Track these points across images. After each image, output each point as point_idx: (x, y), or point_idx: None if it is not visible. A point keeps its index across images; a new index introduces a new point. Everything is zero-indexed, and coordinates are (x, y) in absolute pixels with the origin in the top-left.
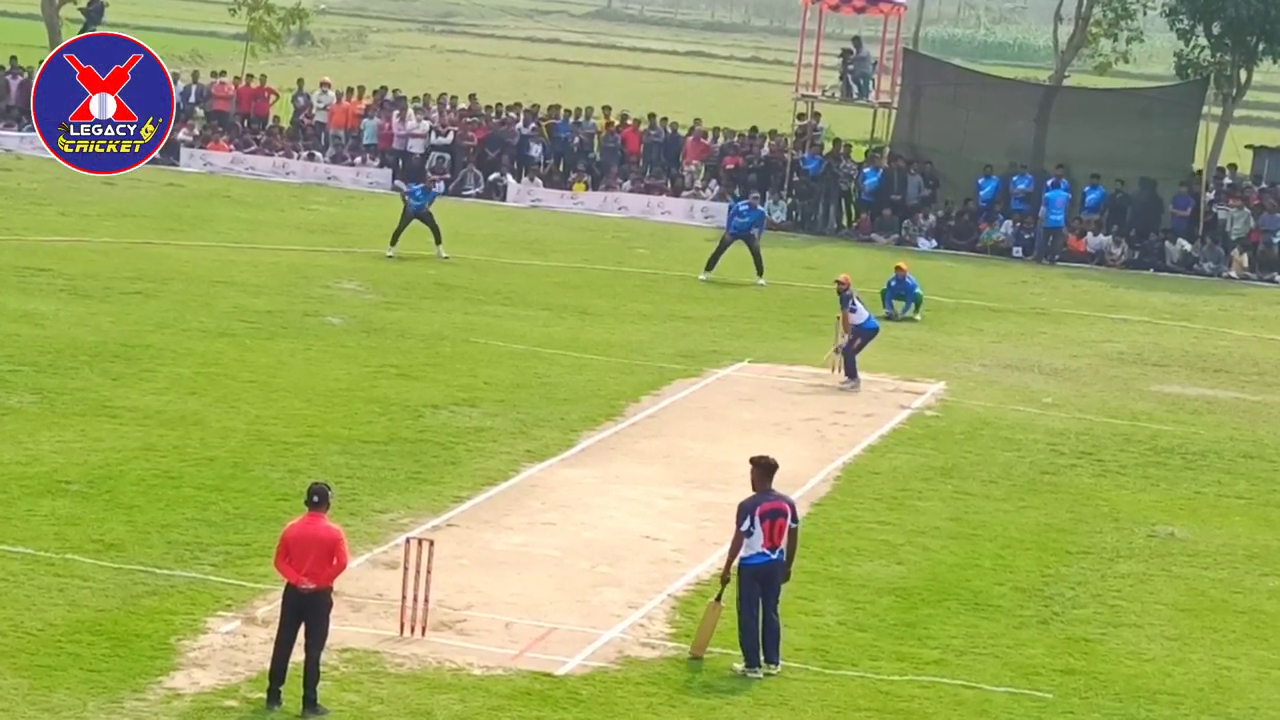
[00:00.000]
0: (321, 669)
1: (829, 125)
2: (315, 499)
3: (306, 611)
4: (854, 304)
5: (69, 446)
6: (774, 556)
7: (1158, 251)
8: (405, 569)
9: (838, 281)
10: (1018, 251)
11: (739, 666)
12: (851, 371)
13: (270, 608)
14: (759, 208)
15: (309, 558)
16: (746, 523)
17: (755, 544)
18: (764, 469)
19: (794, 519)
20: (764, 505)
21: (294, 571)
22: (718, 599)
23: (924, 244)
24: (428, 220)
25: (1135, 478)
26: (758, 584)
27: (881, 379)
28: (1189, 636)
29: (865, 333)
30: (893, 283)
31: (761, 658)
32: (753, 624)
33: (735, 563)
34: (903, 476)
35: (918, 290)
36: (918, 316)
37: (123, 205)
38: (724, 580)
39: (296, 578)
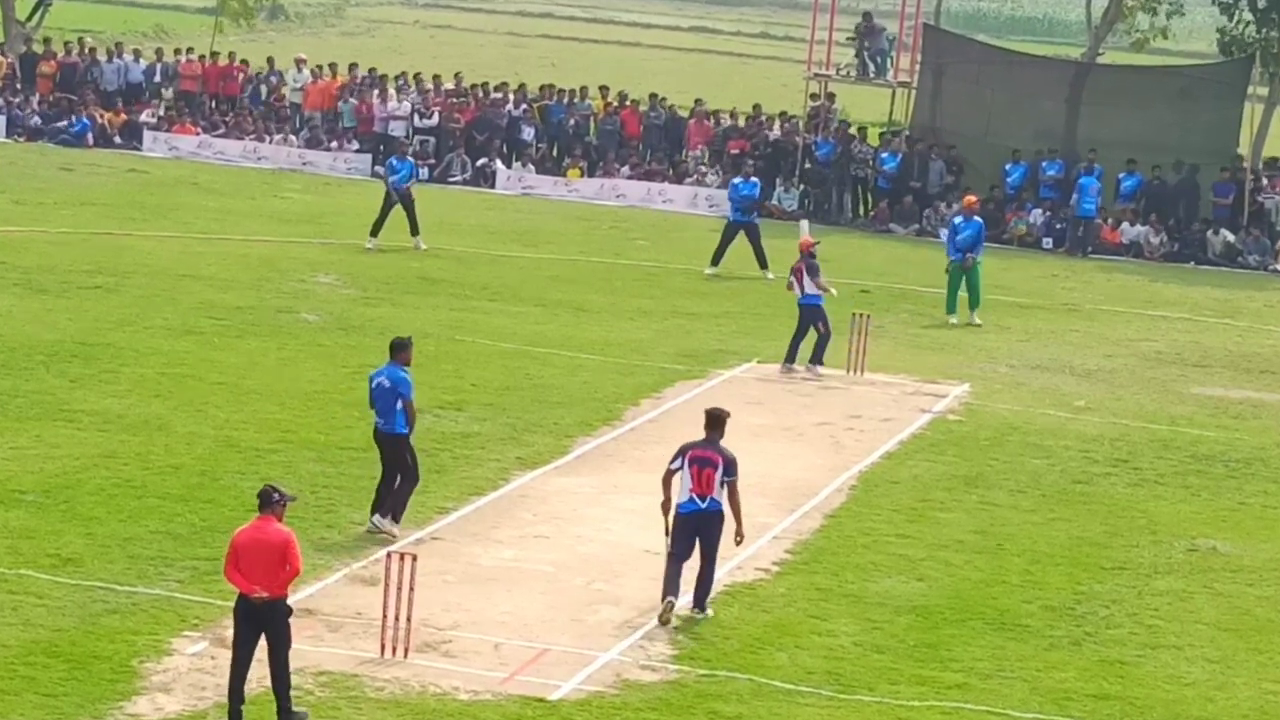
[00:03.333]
0: (295, 693)
1: (843, 107)
2: (260, 500)
3: (263, 623)
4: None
5: (23, 453)
6: (704, 506)
7: (1198, 243)
8: (386, 586)
9: (803, 244)
10: (1047, 243)
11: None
12: (791, 357)
13: None
14: (754, 179)
15: (259, 564)
16: (677, 462)
17: (684, 489)
18: (710, 418)
19: (728, 473)
20: (696, 450)
21: (245, 581)
22: (667, 532)
23: (946, 235)
24: (407, 206)
25: (1174, 487)
26: (689, 533)
27: (901, 380)
28: (1233, 659)
29: (801, 309)
30: (958, 222)
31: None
32: (675, 569)
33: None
34: (923, 486)
35: (978, 268)
36: (977, 319)
37: (81, 193)
38: (665, 510)
39: (248, 587)
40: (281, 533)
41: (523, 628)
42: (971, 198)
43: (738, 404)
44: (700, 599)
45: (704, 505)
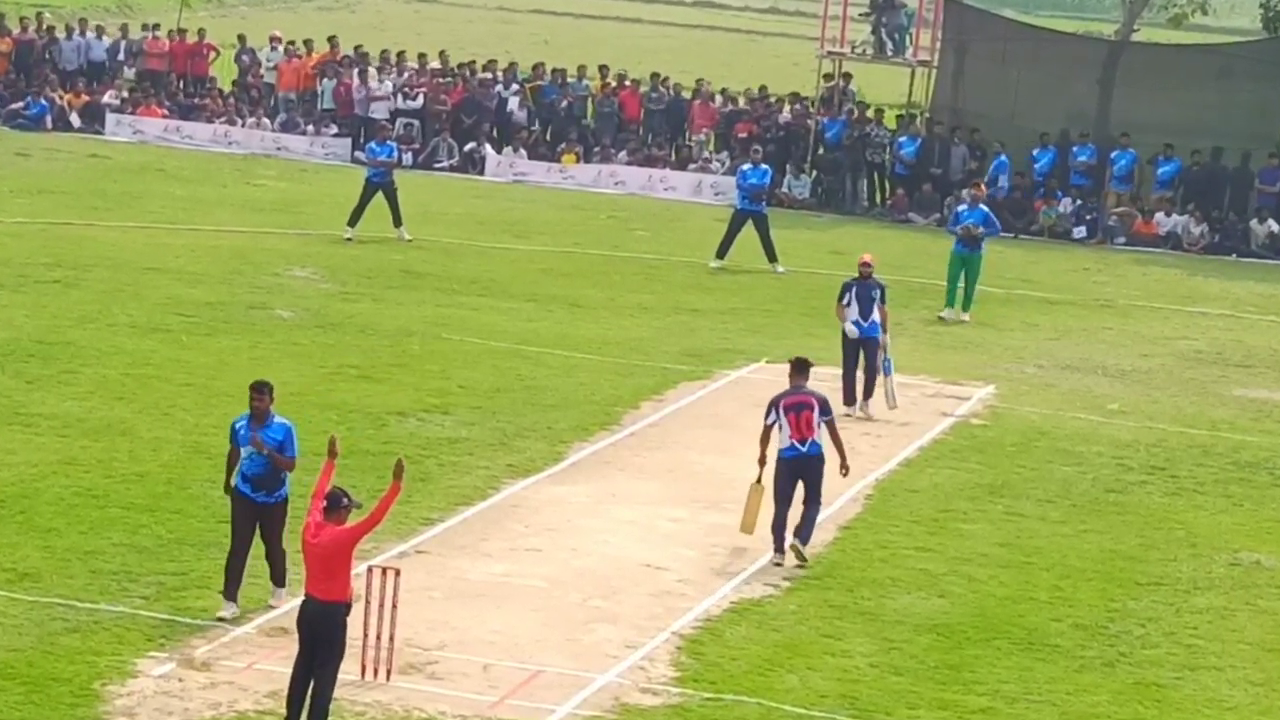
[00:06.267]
0: (268, 718)
1: (859, 87)
2: (327, 503)
3: (316, 631)
4: (848, 296)
5: None
6: (804, 449)
7: (1241, 234)
8: (367, 602)
9: (866, 263)
10: (1079, 233)
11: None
12: (850, 399)
13: (210, 648)
14: (763, 165)
15: (312, 567)
16: (771, 415)
17: (785, 436)
18: (796, 363)
19: (824, 412)
20: (788, 399)
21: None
22: (758, 480)
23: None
24: (389, 195)
25: (1215, 496)
26: (791, 477)
27: (921, 382)
28: (1278, 681)
29: (850, 341)
30: (962, 210)
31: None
32: (782, 514)
33: (772, 452)
34: (945, 495)
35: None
36: (966, 316)
37: (39, 180)
38: (761, 463)
39: (304, 588)
40: (329, 534)
41: (514, 648)
42: (982, 185)
43: (745, 407)
44: (805, 535)
45: (805, 449)
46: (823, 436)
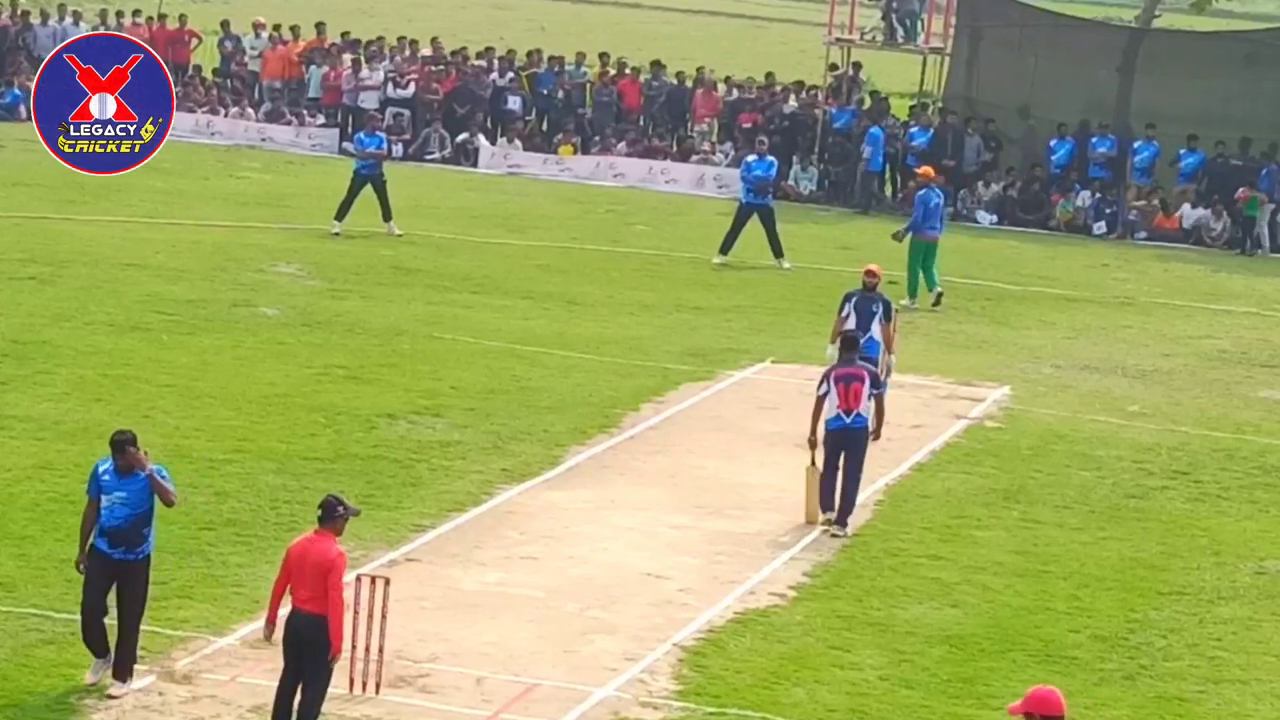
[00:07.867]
0: None
1: (869, 76)
2: (321, 512)
3: (303, 644)
4: (847, 308)
5: None
6: (849, 421)
7: (1268, 228)
8: (356, 612)
9: (872, 273)
10: (1098, 228)
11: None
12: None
13: (191, 660)
14: (768, 156)
15: (306, 580)
16: (824, 386)
17: (832, 407)
18: (845, 339)
19: (875, 385)
20: (839, 370)
21: (287, 593)
22: (812, 463)
23: (984, 218)
24: (378, 187)
25: (1240, 502)
26: (836, 449)
27: (933, 383)
28: None
29: None
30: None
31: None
32: (830, 478)
33: (821, 427)
34: (958, 501)
35: (937, 230)
36: (931, 296)
37: (13, 172)
38: (811, 445)
39: (291, 600)
40: (330, 552)
41: (508, 660)
42: (928, 169)
43: (749, 409)
44: (843, 517)
45: (850, 420)
46: (869, 411)
